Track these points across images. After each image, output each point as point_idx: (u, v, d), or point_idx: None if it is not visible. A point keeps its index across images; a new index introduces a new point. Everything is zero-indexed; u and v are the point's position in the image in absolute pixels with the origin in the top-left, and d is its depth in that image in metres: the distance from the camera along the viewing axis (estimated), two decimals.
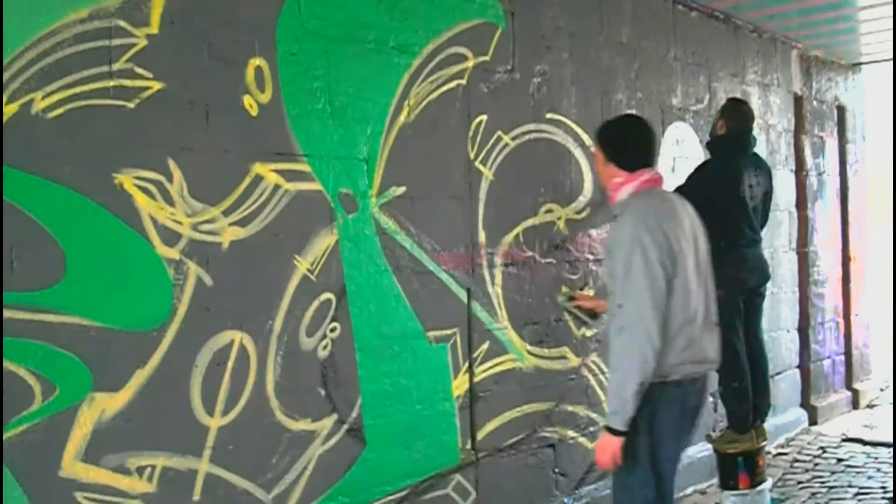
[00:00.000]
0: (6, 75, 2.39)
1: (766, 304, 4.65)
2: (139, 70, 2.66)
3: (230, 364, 2.89)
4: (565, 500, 4.16)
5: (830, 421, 6.42)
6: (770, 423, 4.71)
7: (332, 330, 3.22)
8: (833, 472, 5.14)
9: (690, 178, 4.33)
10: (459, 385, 3.66)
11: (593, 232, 4.40)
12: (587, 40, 4.38)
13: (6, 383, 2.38)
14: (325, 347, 3.19)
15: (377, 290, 3.33)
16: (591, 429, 4.34)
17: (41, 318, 2.45)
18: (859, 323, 7.17)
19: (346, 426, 3.25)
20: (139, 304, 2.67)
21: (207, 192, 2.83)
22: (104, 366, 2.58)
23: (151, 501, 2.68)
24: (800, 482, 4.98)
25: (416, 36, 3.52)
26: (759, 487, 4.19)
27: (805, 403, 6.32)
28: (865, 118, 7.40)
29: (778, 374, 5.86)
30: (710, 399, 5.17)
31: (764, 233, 4.58)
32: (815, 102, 6.56)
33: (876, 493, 4.70)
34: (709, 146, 4.51)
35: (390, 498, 3.38)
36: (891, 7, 5.12)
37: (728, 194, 4.15)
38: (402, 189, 3.44)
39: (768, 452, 5.21)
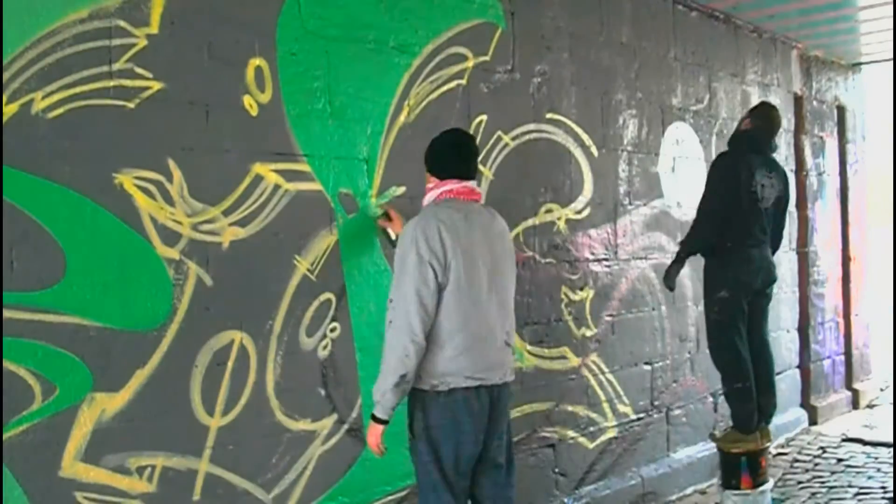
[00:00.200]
0: (6, 75, 2.39)
1: None
2: (139, 70, 2.66)
3: (230, 364, 2.89)
4: (565, 500, 4.15)
5: (830, 421, 6.42)
6: (770, 424, 4.70)
7: (332, 330, 3.22)
8: (833, 472, 5.14)
9: (709, 175, 4.34)
10: None
11: (593, 232, 4.40)
12: (587, 40, 4.38)
13: (6, 383, 2.38)
14: (325, 347, 3.19)
15: (377, 290, 3.33)
16: (591, 429, 4.34)
17: (41, 318, 2.45)
18: (859, 323, 7.17)
19: (346, 426, 3.25)
20: (139, 304, 2.67)
21: (207, 192, 2.83)
22: (104, 366, 2.58)
23: (151, 501, 2.68)
24: (800, 482, 4.98)
25: (416, 36, 3.52)
26: (760, 488, 4.18)
27: (805, 403, 6.32)
28: (865, 118, 7.39)
29: (778, 374, 5.80)
30: (710, 399, 5.19)
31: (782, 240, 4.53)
32: (815, 102, 6.56)
33: (876, 493, 4.69)
34: (729, 141, 4.50)
35: (390, 498, 3.38)
36: (891, 7, 5.12)
37: (737, 188, 4.12)
38: (402, 189, 3.44)
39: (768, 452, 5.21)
